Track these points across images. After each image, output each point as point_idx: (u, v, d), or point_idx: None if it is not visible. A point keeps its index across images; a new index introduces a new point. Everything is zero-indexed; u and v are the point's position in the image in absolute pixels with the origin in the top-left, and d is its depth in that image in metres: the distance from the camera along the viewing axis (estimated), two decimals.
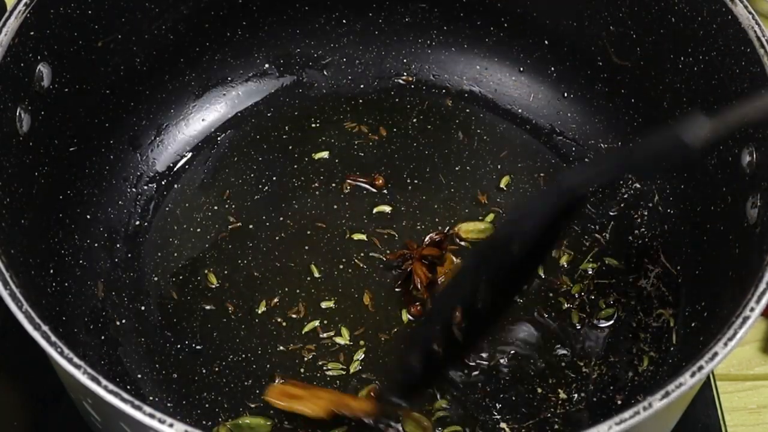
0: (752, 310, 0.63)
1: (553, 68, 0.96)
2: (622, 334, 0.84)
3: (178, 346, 0.83)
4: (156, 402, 0.80)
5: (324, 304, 0.85)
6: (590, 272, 0.87)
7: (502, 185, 0.92)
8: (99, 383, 0.59)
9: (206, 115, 0.96)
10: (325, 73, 0.98)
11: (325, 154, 0.93)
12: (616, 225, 0.89)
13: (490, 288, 0.71)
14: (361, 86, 0.98)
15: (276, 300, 0.85)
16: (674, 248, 0.86)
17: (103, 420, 0.68)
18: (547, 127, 0.96)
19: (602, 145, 0.93)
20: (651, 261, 0.87)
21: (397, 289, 0.85)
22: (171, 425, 0.58)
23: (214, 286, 0.86)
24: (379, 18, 0.97)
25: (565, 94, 0.95)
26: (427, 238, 0.86)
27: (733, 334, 0.62)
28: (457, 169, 0.93)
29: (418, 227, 0.89)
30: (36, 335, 0.62)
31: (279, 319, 0.84)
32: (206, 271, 0.87)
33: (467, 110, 0.96)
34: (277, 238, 0.88)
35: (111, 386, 0.59)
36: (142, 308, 0.85)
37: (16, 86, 0.74)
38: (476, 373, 0.81)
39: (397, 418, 0.78)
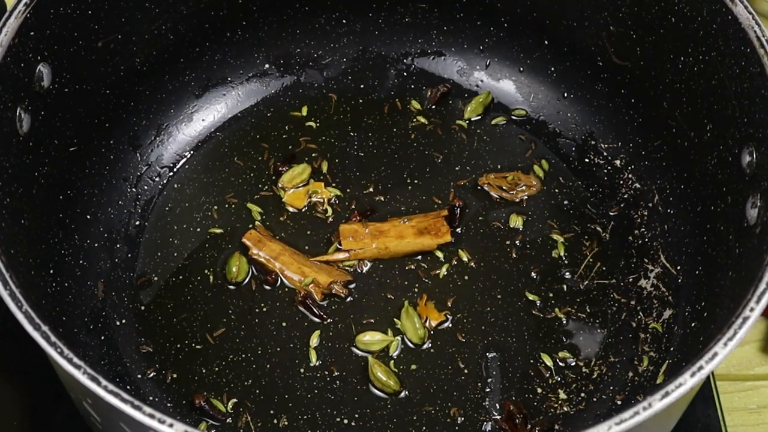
0: (752, 310, 0.63)
1: (553, 68, 0.96)
2: (622, 334, 0.84)
3: (178, 346, 0.83)
4: (156, 402, 0.80)
5: (326, 302, 0.85)
6: (590, 272, 0.87)
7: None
8: (99, 383, 0.59)
9: (206, 115, 0.96)
10: (325, 73, 0.98)
11: (325, 154, 0.94)
12: (616, 225, 0.90)
13: None
14: (361, 86, 0.98)
15: (276, 300, 0.85)
16: (674, 248, 0.86)
17: (103, 420, 0.68)
18: (547, 127, 0.96)
19: (602, 145, 0.93)
20: (651, 261, 0.87)
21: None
22: (171, 425, 0.58)
23: (213, 286, 0.86)
24: (379, 18, 0.97)
25: (565, 94, 0.96)
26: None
27: (733, 334, 0.62)
28: (457, 169, 0.93)
29: None
30: (36, 335, 0.62)
31: (279, 319, 0.84)
32: (206, 271, 0.87)
33: (468, 110, 0.96)
34: (276, 237, 0.88)
35: (111, 386, 0.59)
36: (142, 308, 0.85)
37: (16, 86, 0.74)
38: (476, 372, 0.81)
39: None
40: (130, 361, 0.82)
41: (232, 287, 0.86)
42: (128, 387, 0.81)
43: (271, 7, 0.95)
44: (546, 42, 0.95)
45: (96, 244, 0.87)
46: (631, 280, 0.87)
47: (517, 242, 0.88)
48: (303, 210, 0.90)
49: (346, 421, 0.80)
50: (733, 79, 0.76)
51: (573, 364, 0.82)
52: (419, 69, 0.99)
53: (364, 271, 0.87)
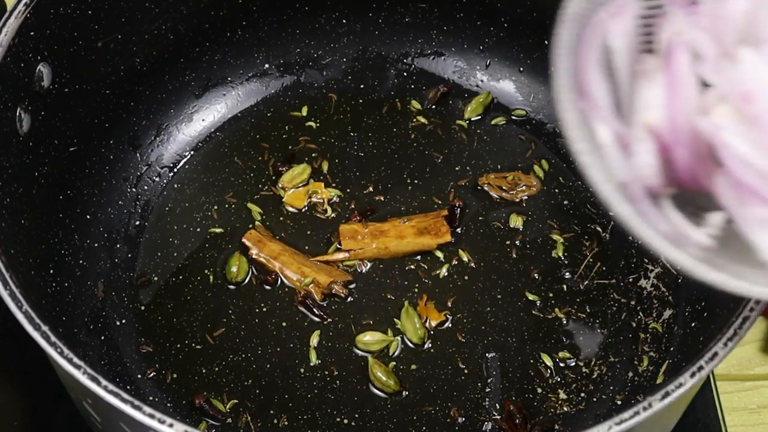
0: (752, 310, 0.63)
1: (553, 68, 0.95)
2: (622, 334, 0.84)
3: (178, 346, 0.83)
4: (156, 402, 0.80)
5: (326, 302, 0.85)
6: (590, 272, 0.87)
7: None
8: (99, 383, 0.59)
9: (206, 115, 0.96)
10: (325, 73, 0.98)
11: (325, 154, 0.94)
12: (616, 225, 0.89)
13: None
14: (361, 86, 0.98)
15: (276, 300, 0.85)
16: None
17: (103, 420, 0.68)
18: (547, 127, 0.96)
19: None
20: (651, 261, 0.87)
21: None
22: (171, 425, 0.58)
23: (213, 286, 0.86)
24: (379, 18, 0.97)
25: None
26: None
27: (733, 334, 0.62)
28: (457, 169, 0.93)
29: None
30: (36, 335, 0.62)
31: (279, 319, 0.84)
32: (206, 271, 0.87)
33: (468, 110, 0.96)
34: (276, 237, 0.88)
35: (111, 386, 0.59)
36: (142, 308, 0.85)
37: (16, 86, 0.74)
38: (476, 372, 0.82)
39: None
40: (130, 361, 0.82)
41: (232, 287, 0.86)
42: (128, 387, 0.81)
43: (271, 7, 0.95)
44: (546, 42, 0.95)
45: (96, 244, 0.87)
46: (631, 280, 0.87)
47: (517, 242, 0.88)
48: (303, 210, 0.90)
49: (346, 421, 0.80)
50: None
51: (573, 364, 0.82)
52: (419, 69, 0.99)
53: (364, 271, 0.87)
